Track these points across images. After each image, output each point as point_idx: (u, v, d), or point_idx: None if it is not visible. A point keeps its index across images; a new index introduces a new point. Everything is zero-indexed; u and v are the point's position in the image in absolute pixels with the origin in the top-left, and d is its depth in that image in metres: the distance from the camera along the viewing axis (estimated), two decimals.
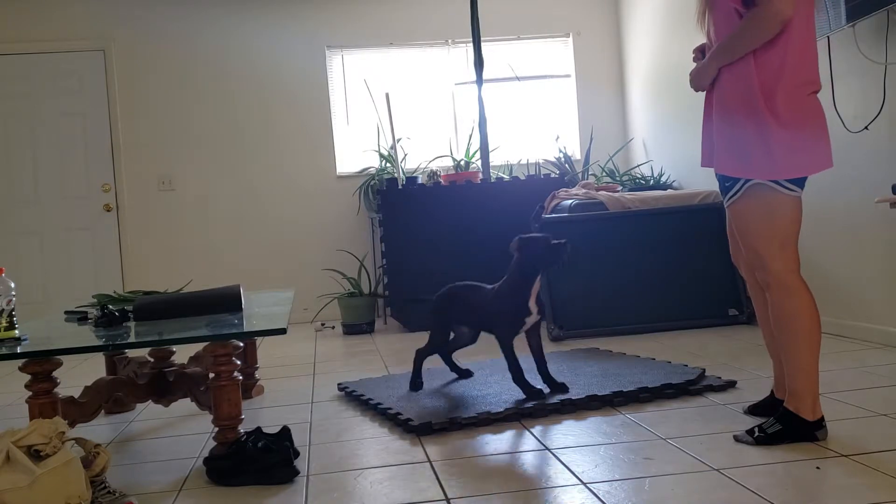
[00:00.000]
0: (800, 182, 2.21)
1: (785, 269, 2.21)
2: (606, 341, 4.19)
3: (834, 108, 3.74)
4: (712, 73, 2.31)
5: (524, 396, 2.84)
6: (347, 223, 6.22)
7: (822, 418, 2.22)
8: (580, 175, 5.92)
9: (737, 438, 2.27)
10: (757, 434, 2.22)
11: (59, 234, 6.01)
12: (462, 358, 3.92)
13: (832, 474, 1.93)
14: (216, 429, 2.38)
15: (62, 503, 1.87)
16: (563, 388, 2.90)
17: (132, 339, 2.34)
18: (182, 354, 4.13)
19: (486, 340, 3.19)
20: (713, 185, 4.61)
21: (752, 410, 2.54)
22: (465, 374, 3.28)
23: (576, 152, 6.40)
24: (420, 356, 3.16)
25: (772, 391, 2.51)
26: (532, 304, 2.88)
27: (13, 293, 2.46)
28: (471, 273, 5.16)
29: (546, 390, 2.91)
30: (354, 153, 6.28)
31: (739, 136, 2.22)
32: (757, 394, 2.79)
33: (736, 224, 2.29)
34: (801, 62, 2.18)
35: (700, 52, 2.51)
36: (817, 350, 2.21)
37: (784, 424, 2.21)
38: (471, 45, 6.01)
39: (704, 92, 2.40)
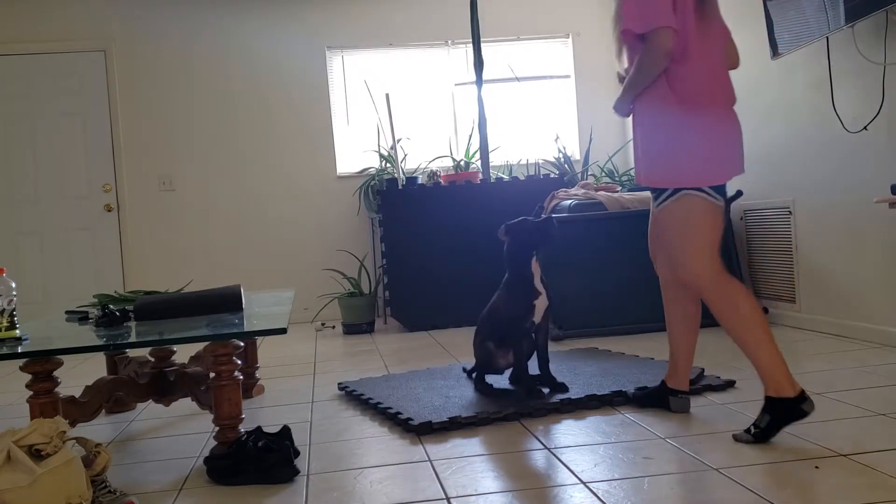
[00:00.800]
0: (719, 189, 2.37)
1: (711, 269, 2.34)
2: (606, 341, 4.19)
3: (833, 109, 3.75)
4: (627, 105, 2.50)
5: (524, 395, 2.84)
6: (347, 223, 6.23)
7: (803, 391, 2.24)
8: (579, 175, 5.93)
9: (736, 438, 2.28)
10: (753, 431, 2.25)
11: (59, 234, 6.01)
12: (456, 358, 3.92)
13: (831, 474, 1.94)
14: (217, 428, 2.38)
15: (63, 503, 1.88)
16: (562, 387, 2.91)
17: (133, 338, 2.34)
18: (183, 354, 4.14)
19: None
20: None
21: (638, 399, 2.72)
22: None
23: (575, 153, 6.41)
24: (518, 379, 2.96)
25: (663, 380, 2.67)
26: (538, 284, 2.89)
27: (14, 293, 2.47)
28: (469, 273, 5.17)
29: (546, 390, 2.91)
30: (354, 153, 6.28)
31: (661, 149, 2.39)
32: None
33: (661, 230, 2.44)
34: (709, 79, 2.35)
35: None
36: (767, 331, 2.27)
37: (772, 413, 2.24)
38: (470, 45, 6.02)
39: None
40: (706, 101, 2.33)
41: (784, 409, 2.22)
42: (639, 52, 2.36)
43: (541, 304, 2.88)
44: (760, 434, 2.23)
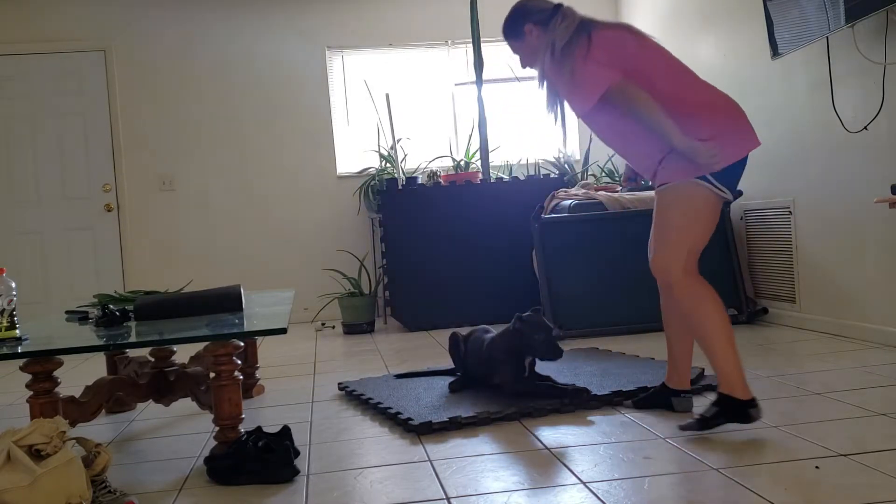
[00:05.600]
0: (726, 181, 2.32)
1: (685, 270, 2.36)
2: (606, 341, 4.19)
3: (833, 109, 3.75)
4: (682, 140, 2.33)
5: (565, 398, 2.79)
6: (347, 223, 6.23)
7: (754, 398, 2.32)
8: (579, 175, 5.93)
9: (682, 427, 2.36)
10: (699, 420, 2.33)
11: (59, 234, 6.01)
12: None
13: (832, 474, 1.94)
14: (217, 428, 2.38)
15: (63, 502, 1.88)
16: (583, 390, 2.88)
17: (133, 338, 2.34)
18: (183, 354, 4.14)
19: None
20: None
21: (640, 404, 2.69)
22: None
23: (575, 152, 6.41)
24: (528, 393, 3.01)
25: (663, 382, 2.68)
26: (526, 362, 2.92)
27: (14, 293, 2.47)
28: (470, 273, 5.17)
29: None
30: (354, 153, 6.29)
31: (663, 148, 2.37)
32: (756, 393, 2.79)
33: (658, 210, 2.42)
34: (681, 80, 2.34)
35: (629, 177, 2.74)
36: (730, 334, 2.33)
37: (720, 406, 2.33)
38: (470, 45, 6.02)
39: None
40: (685, 99, 2.32)
41: (731, 408, 2.31)
42: (612, 113, 2.39)
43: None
44: (703, 423, 2.32)
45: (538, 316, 2.85)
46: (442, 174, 5.47)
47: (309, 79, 6.21)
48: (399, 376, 3.42)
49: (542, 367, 3.32)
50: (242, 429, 2.38)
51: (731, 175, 2.33)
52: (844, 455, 2.07)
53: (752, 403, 2.31)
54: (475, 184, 5.19)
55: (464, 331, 3.61)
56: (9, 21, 5.96)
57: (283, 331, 2.21)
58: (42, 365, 2.30)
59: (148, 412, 3.25)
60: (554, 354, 2.77)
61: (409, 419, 2.65)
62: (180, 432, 2.86)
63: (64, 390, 2.47)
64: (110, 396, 2.72)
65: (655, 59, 2.38)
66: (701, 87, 2.38)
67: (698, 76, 2.41)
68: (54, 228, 6.01)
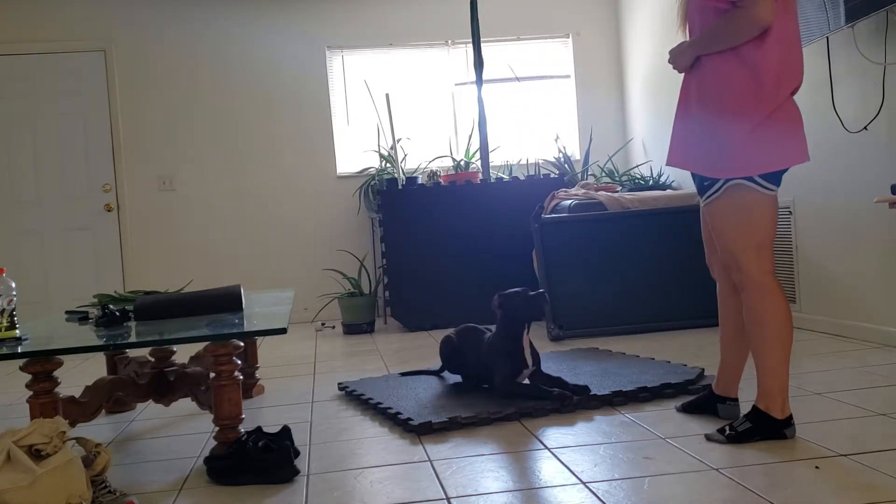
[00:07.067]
0: (775, 180, 2.21)
1: (760, 270, 2.23)
2: (606, 341, 4.19)
3: (833, 109, 3.75)
4: (688, 60, 2.29)
5: (555, 403, 2.76)
6: (347, 223, 6.23)
7: (791, 416, 2.24)
8: (580, 175, 5.93)
9: (708, 437, 2.30)
10: (728, 432, 2.25)
11: (59, 234, 6.01)
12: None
13: (832, 474, 1.94)
14: (217, 428, 2.38)
15: (63, 502, 1.88)
16: (583, 389, 2.87)
17: (133, 338, 2.34)
18: (183, 354, 4.14)
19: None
20: None
21: (686, 408, 2.61)
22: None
23: (575, 152, 6.41)
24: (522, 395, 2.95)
25: (710, 387, 2.56)
26: (527, 356, 2.90)
27: (14, 293, 2.47)
28: (469, 273, 5.17)
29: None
30: (354, 153, 6.28)
31: (717, 133, 2.21)
32: (754, 394, 2.79)
33: (712, 224, 2.30)
34: (791, 60, 2.18)
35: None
36: (788, 350, 2.23)
37: (754, 422, 2.24)
38: (470, 45, 6.02)
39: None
40: (776, 82, 2.15)
41: (766, 425, 2.23)
42: (717, 18, 2.18)
43: (526, 373, 2.91)
44: (735, 437, 2.24)
45: (507, 290, 2.94)
46: (442, 174, 5.47)
47: (309, 79, 6.21)
48: (404, 374, 3.43)
49: (545, 367, 3.32)
50: (242, 429, 2.38)
51: (775, 175, 2.21)
52: (844, 455, 2.07)
53: (788, 422, 2.23)
54: (475, 184, 5.20)
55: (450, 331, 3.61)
56: (9, 21, 5.96)
57: (283, 331, 2.21)
58: (42, 365, 2.30)
59: (148, 412, 3.25)
60: (537, 307, 2.85)
61: (409, 419, 2.65)
62: (180, 432, 2.86)
63: (64, 390, 2.47)
64: (110, 396, 2.72)
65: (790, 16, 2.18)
66: (798, 77, 2.21)
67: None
68: (54, 228, 6.01)
